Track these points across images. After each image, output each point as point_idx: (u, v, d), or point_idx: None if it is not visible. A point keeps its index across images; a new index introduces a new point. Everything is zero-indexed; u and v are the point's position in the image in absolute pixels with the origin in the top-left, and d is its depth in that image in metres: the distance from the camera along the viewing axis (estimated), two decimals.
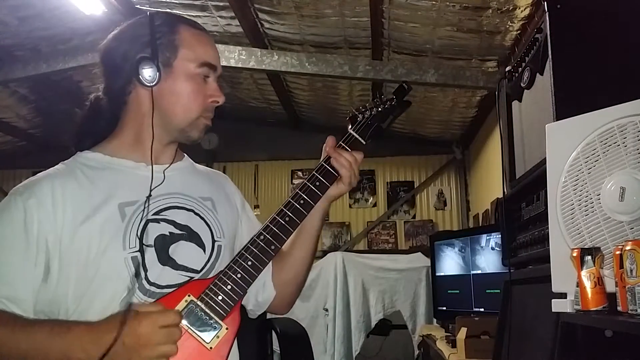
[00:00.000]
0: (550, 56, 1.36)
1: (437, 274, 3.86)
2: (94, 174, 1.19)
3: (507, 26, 3.42)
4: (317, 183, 1.24)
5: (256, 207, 6.27)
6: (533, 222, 1.53)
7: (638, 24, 1.35)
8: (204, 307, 1.10)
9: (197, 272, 1.17)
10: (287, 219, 1.20)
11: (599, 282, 1.01)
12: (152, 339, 0.98)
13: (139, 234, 1.13)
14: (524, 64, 1.61)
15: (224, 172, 1.48)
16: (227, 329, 1.10)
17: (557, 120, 1.26)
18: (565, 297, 1.11)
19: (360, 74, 4.10)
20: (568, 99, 1.31)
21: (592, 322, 1.03)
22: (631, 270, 0.91)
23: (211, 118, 1.24)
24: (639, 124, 1.02)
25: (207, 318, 1.09)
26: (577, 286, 1.04)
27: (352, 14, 3.75)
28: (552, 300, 1.15)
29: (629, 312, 0.91)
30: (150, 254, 1.13)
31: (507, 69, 1.78)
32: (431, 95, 4.86)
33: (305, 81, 5.16)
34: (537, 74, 1.49)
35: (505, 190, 1.77)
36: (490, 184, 4.86)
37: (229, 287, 1.12)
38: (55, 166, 1.21)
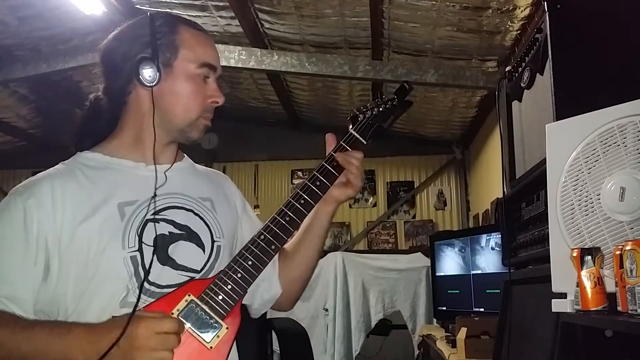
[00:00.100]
0: (550, 56, 1.36)
1: (437, 274, 3.86)
2: (94, 174, 1.19)
3: (507, 26, 3.43)
4: (318, 183, 1.24)
5: (256, 207, 6.27)
6: (533, 222, 1.54)
7: (638, 24, 1.35)
8: (204, 307, 1.10)
9: (197, 272, 1.17)
10: (287, 218, 1.20)
11: (599, 282, 1.01)
12: (148, 344, 0.98)
13: (138, 233, 1.13)
14: (524, 64, 1.61)
15: (224, 172, 1.49)
16: (227, 328, 1.10)
17: (557, 120, 1.26)
18: (565, 297, 1.11)
19: (360, 74, 4.10)
20: (568, 99, 1.31)
21: (592, 322, 1.03)
22: (631, 270, 0.91)
23: (211, 118, 1.24)
24: (639, 124, 1.02)
25: (208, 318, 1.09)
26: (577, 286, 1.04)
27: (352, 14, 3.75)
28: (552, 300, 1.15)
29: (629, 312, 0.91)
30: (150, 254, 1.13)
31: (507, 69, 1.78)
32: (431, 95, 4.86)
33: (305, 81, 5.16)
34: (537, 74, 1.49)
35: (505, 190, 1.77)
36: (490, 184, 4.86)
37: (229, 286, 1.12)
38: (55, 166, 1.21)
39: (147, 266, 1.12)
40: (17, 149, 6.58)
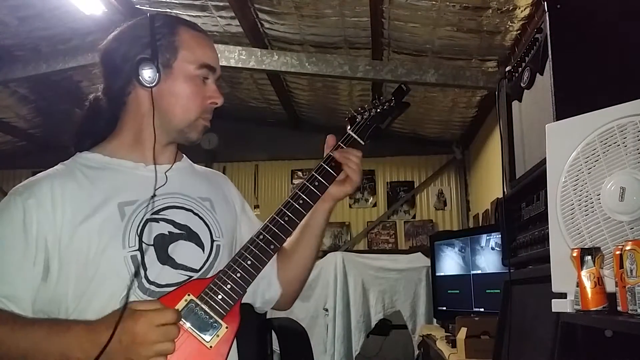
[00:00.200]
0: (550, 56, 1.36)
1: (437, 274, 3.86)
2: (94, 174, 1.19)
3: (507, 26, 3.42)
4: (316, 183, 1.25)
5: (256, 207, 6.27)
6: (533, 222, 1.53)
7: (638, 24, 1.35)
8: (203, 306, 1.10)
9: (196, 271, 1.18)
10: (286, 218, 1.21)
11: (599, 282, 1.01)
12: (149, 338, 0.98)
13: (138, 232, 1.13)
14: (524, 64, 1.61)
15: (224, 172, 1.49)
16: (227, 328, 1.10)
17: (557, 120, 1.26)
18: (565, 297, 1.11)
19: (360, 74, 4.10)
20: (568, 99, 1.31)
21: (592, 322, 1.03)
22: (631, 270, 0.91)
23: (210, 119, 1.25)
24: (639, 124, 1.02)
25: (207, 317, 1.09)
26: (577, 286, 1.04)
27: (352, 14, 3.75)
28: (552, 300, 1.15)
29: (629, 312, 0.91)
30: (150, 253, 1.14)
31: (507, 69, 1.78)
32: (431, 95, 4.86)
33: (305, 81, 5.16)
34: (537, 74, 1.49)
35: (505, 190, 1.77)
36: (490, 184, 4.87)
37: (229, 286, 1.12)
38: (55, 167, 1.22)
39: (147, 265, 1.12)
40: (17, 149, 6.58)
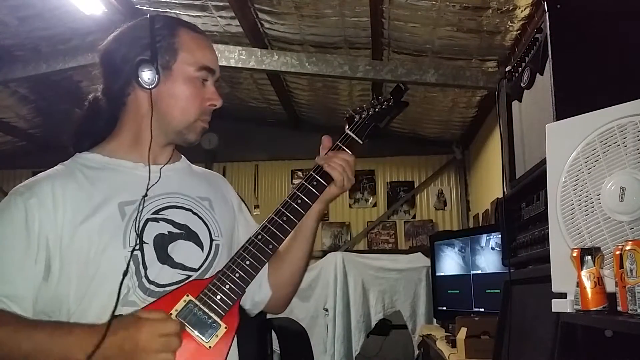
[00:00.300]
0: (550, 56, 1.36)
1: (437, 274, 3.86)
2: (94, 175, 1.19)
3: (507, 26, 3.42)
4: (315, 183, 1.25)
5: (256, 207, 6.27)
6: (533, 222, 1.53)
7: (638, 24, 1.35)
8: (202, 307, 1.10)
9: (195, 270, 1.18)
10: (284, 218, 1.21)
11: (599, 282, 1.01)
12: (151, 347, 0.99)
13: (138, 232, 1.13)
14: (524, 64, 1.61)
15: (224, 172, 1.50)
16: (226, 328, 1.10)
17: (557, 120, 1.26)
18: (565, 297, 1.11)
19: (360, 74, 4.10)
20: (568, 99, 1.31)
21: (592, 322, 1.03)
22: (631, 270, 0.91)
23: (208, 121, 1.25)
24: (639, 124, 1.02)
25: (206, 317, 1.10)
26: (577, 286, 1.04)
27: (352, 14, 3.75)
28: (552, 300, 1.15)
29: (629, 312, 0.91)
30: (150, 252, 1.14)
31: (507, 69, 1.78)
32: (431, 95, 4.86)
33: (305, 81, 5.16)
34: (537, 74, 1.49)
35: (505, 190, 1.77)
36: (490, 184, 4.87)
37: (228, 286, 1.13)
38: (55, 167, 1.22)
39: (147, 265, 1.13)
40: (17, 149, 6.58)
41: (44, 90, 5.36)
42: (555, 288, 1.14)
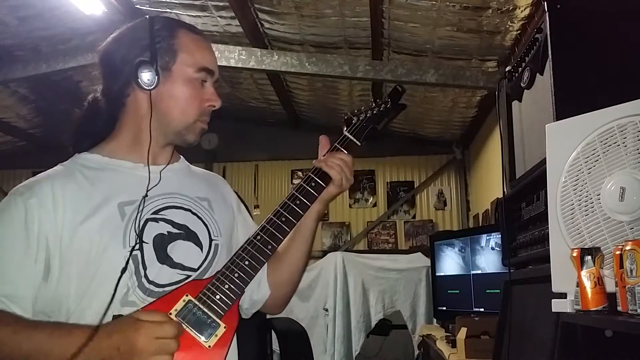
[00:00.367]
0: (550, 56, 1.36)
1: (437, 274, 3.86)
2: (93, 175, 1.20)
3: (507, 26, 3.42)
4: (313, 184, 1.26)
5: (256, 207, 6.27)
6: (533, 222, 1.53)
7: (638, 24, 1.35)
8: (202, 307, 1.10)
9: (195, 270, 1.19)
10: (283, 219, 1.22)
11: (599, 282, 1.01)
12: (148, 349, 0.99)
13: (138, 232, 1.14)
14: (524, 64, 1.61)
15: (224, 172, 1.51)
16: (225, 327, 1.11)
17: (557, 120, 1.26)
18: (565, 297, 1.11)
19: (360, 74, 4.10)
20: (568, 99, 1.31)
21: (592, 322, 1.03)
22: (631, 270, 0.91)
23: (207, 122, 1.26)
24: (639, 124, 1.02)
25: (205, 317, 1.10)
26: (577, 286, 1.04)
27: (352, 14, 3.75)
28: (552, 300, 1.15)
29: (629, 312, 0.91)
30: (149, 252, 1.14)
31: (507, 69, 1.78)
32: (431, 95, 4.86)
33: (305, 81, 5.16)
34: (537, 74, 1.49)
35: (505, 190, 1.77)
36: (490, 184, 4.87)
37: (227, 286, 1.13)
38: (54, 168, 1.22)
39: (146, 264, 1.13)
40: (17, 149, 6.58)
41: (44, 90, 5.36)
42: (555, 288, 1.14)
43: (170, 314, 1.08)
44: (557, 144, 1.16)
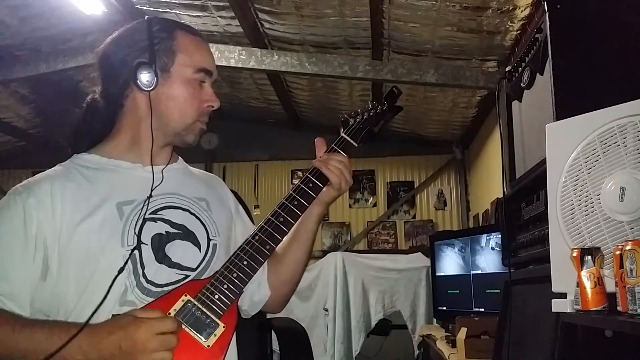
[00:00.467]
0: (550, 56, 1.36)
1: (437, 274, 3.86)
2: (92, 175, 1.20)
3: (507, 26, 3.42)
4: (310, 185, 1.26)
5: (256, 207, 6.27)
6: (533, 222, 1.53)
7: (638, 24, 1.35)
8: (200, 307, 1.11)
9: (193, 270, 1.19)
10: (281, 219, 1.22)
11: (599, 282, 1.01)
12: (148, 346, 0.99)
13: (136, 231, 1.14)
14: (524, 64, 1.61)
15: (224, 172, 1.51)
16: (224, 327, 1.11)
17: (557, 120, 1.26)
18: (565, 297, 1.11)
19: (360, 74, 4.09)
20: (568, 99, 1.31)
21: (592, 322, 1.03)
22: (631, 270, 0.91)
23: (206, 122, 1.26)
24: (639, 124, 1.02)
25: (204, 317, 1.10)
26: (577, 286, 1.04)
27: (352, 14, 3.75)
28: (552, 300, 1.15)
29: (629, 312, 0.91)
30: (147, 252, 1.15)
31: (507, 69, 1.78)
32: (431, 95, 4.85)
33: (305, 81, 5.16)
34: (537, 74, 1.49)
35: (505, 190, 1.77)
36: (490, 184, 4.86)
37: (225, 286, 1.14)
38: (53, 168, 1.23)
39: (144, 264, 1.13)
40: (17, 149, 6.58)
41: (44, 90, 5.36)
42: (555, 288, 1.14)
43: (169, 313, 1.08)
44: (557, 144, 1.16)
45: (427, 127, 5.83)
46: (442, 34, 3.73)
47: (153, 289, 1.13)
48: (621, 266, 0.93)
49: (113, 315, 1.06)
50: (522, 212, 1.64)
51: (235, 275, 1.15)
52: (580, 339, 1.13)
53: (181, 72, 1.21)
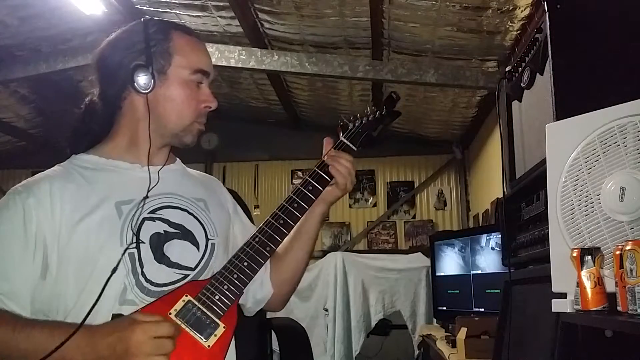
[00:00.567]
0: (550, 56, 1.36)
1: (437, 274, 3.86)
2: (91, 175, 1.21)
3: (507, 26, 3.42)
4: (310, 187, 1.28)
5: (256, 207, 6.27)
6: (533, 222, 1.53)
7: (638, 24, 1.35)
8: (201, 307, 1.11)
9: (192, 269, 1.19)
10: (281, 221, 1.23)
11: (599, 282, 1.01)
12: (143, 349, 0.99)
13: (135, 231, 1.14)
14: (524, 64, 1.61)
15: (224, 172, 1.52)
16: (224, 327, 1.11)
17: (557, 120, 1.26)
18: (565, 297, 1.11)
19: (360, 74, 4.09)
20: (568, 99, 1.31)
21: (592, 322, 1.03)
22: (631, 270, 0.91)
23: (204, 123, 1.27)
24: (639, 124, 1.02)
25: (205, 317, 1.11)
26: (577, 286, 1.04)
27: (352, 14, 3.75)
28: (552, 300, 1.15)
29: (629, 312, 0.91)
30: (146, 251, 1.15)
31: (507, 69, 1.78)
32: (431, 95, 4.85)
33: (305, 81, 5.16)
34: (537, 74, 1.49)
35: (505, 190, 1.77)
36: (490, 184, 4.86)
37: (226, 287, 1.14)
38: (52, 168, 1.24)
39: (143, 262, 1.13)
40: (17, 149, 6.58)
41: (44, 90, 5.36)
42: (555, 288, 1.14)
43: (170, 314, 1.09)
44: (557, 144, 1.16)
45: (427, 127, 5.83)
46: (442, 34, 3.73)
47: (152, 288, 1.13)
48: (621, 266, 0.93)
49: (113, 315, 1.06)
50: (522, 212, 1.64)
51: (235, 276, 1.15)
52: (580, 339, 1.13)
53: (178, 74, 1.21)
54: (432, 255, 3.94)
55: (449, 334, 3.19)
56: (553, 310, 1.15)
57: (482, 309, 3.15)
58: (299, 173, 6.46)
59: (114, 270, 1.10)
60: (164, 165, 1.27)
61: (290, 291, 1.40)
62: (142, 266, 1.14)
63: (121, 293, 1.11)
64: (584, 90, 1.31)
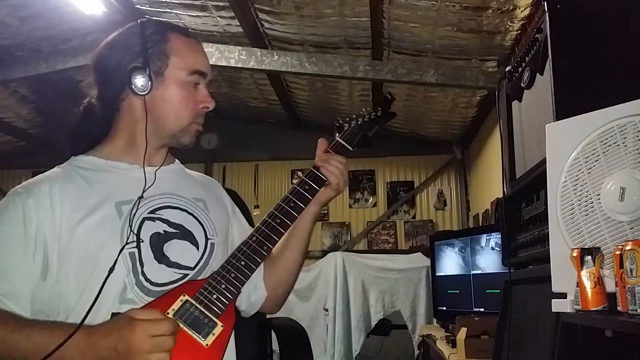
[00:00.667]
0: (550, 56, 1.36)
1: (437, 274, 3.86)
2: (90, 176, 1.21)
3: (507, 26, 3.42)
4: (307, 187, 1.29)
5: (256, 207, 6.27)
6: (533, 222, 1.53)
7: (638, 24, 1.35)
8: (199, 306, 1.12)
9: (192, 269, 1.20)
10: (278, 220, 1.24)
11: (599, 282, 1.01)
12: (144, 347, 0.99)
13: (135, 230, 1.15)
14: (524, 64, 1.61)
15: (224, 172, 1.53)
16: (222, 326, 1.12)
17: (557, 120, 1.26)
18: (565, 297, 1.11)
19: (360, 74, 4.09)
20: (568, 99, 1.31)
21: (592, 322, 1.03)
22: (631, 270, 0.91)
23: (202, 123, 1.28)
24: (639, 124, 1.02)
25: (203, 317, 1.11)
26: (577, 286, 1.04)
27: (352, 14, 3.75)
28: (552, 300, 1.15)
29: (629, 312, 0.91)
30: (146, 251, 1.16)
31: (507, 69, 1.78)
32: (431, 95, 4.85)
33: (305, 81, 5.16)
34: (537, 74, 1.49)
35: (505, 190, 1.77)
36: (490, 184, 4.86)
37: (223, 286, 1.15)
38: (52, 169, 1.24)
39: (143, 262, 1.14)
40: (17, 149, 6.58)
41: (44, 90, 5.36)
42: (555, 288, 1.14)
43: (168, 313, 1.09)
44: (557, 144, 1.16)
45: (427, 127, 5.83)
46: (442, 34, 3.73)
47: (152, 288, 1.14)
48: (621, 266, 0.93)
49: (113, 314, 1.06)
50: (522, 212, 1.64)
51: (233, 275, 1.16)
52: (580, 339, 1.13)
53: (175, 75, 1.22)
54: (432, 255, 3.94)
55: (449, 334, 3.19)
56: (553, 310, 1.15)
57: (482, 309, 3.15)
58: (299, 173, 6.26)
59: (112, 268, 1.10)
60: (162, 165, 1.28)
61: (285, 293, 1.40)
62: (142, 265, 1.14)
63: (121, 292, 1.12)
64: (584, 90, 1.31)
